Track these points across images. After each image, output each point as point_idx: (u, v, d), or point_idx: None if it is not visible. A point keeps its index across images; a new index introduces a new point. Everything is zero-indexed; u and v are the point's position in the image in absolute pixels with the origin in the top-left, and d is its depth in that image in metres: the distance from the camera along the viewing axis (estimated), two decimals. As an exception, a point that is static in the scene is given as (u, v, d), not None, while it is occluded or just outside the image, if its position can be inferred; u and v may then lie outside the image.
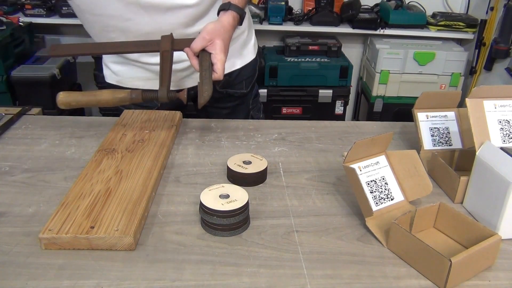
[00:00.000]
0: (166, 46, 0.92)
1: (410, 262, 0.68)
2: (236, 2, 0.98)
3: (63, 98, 0.93)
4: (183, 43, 0.94)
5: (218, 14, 0.99)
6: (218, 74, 0.91)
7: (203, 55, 0.92)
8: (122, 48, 1.00)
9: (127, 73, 1.17)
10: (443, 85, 2.58)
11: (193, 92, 1.10)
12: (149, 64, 1.12)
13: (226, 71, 0.96)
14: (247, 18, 1.12)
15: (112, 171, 0.85)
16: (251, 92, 1.29)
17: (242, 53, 1.22)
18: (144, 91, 0.93)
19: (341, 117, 2.63)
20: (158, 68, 0.94)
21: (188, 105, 1.11)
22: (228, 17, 0.96)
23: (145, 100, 0.93)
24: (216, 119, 1.15)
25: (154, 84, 0.99)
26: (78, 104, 0.93)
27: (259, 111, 1.33)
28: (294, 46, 2.55)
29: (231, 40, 0.97)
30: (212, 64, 0.92)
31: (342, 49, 2.63)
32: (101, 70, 1.25)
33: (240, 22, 1.01)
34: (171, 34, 0.95)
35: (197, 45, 0.92)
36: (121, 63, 1.17)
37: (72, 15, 2.39)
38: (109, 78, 1.22)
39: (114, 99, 0.92)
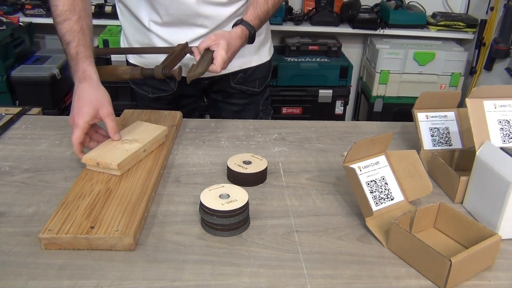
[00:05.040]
0: (178, 48, 1.06)
1: (410, 262, 0.68)
2: (249, 20, 1.06)
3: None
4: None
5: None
6: (215, 66, 0.97)
7: (206, 52, 1.00)
8: (147, 51, 1.19)
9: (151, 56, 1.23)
10: (443, 85, 2.58)
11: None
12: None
13: (242, 67, 1.02)
14: (266, 24, 1.19)
15: (112, 171, 0.85)
16: (263, 93, 1.33)
17: (258, 53, 1.27)
18: (143, 68, 1.02)
19: (341, 117, 2.63)
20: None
21: (202, 105, 1.27)
22: (237, 29, 1.04)
23: (144, 76, 1.02)
24: (216, 119, 1.15)
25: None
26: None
27: (268, 114, 1.37)
28: (294, 46, 2.54)
29: (238, 49, 1.04)
30: (212, 59, 0.98)
31: (342, 49, 2.63)
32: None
33: (250, 39, 1.07)
34: (186, 42, 1.08)
35: (202, 43, 0.99)
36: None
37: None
38: (132, 59, 1.28)
39: (117, 70, 1.03)
